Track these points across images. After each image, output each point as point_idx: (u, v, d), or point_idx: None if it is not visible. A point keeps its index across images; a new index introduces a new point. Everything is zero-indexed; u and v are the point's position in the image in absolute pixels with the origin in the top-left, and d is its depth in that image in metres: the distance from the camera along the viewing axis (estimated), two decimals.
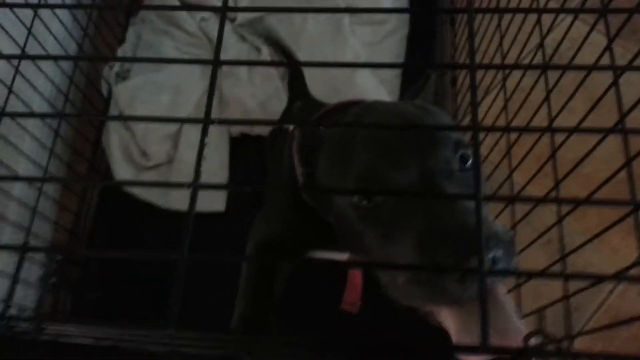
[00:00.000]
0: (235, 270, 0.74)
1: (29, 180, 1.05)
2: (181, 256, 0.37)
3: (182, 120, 0.51)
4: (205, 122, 0.47)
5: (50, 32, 1.01)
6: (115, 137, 1.18)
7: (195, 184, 0.45)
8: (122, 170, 1.17)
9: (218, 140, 1.18)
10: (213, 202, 1.13)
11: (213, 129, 1.15)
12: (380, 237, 0.48)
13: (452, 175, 0.48)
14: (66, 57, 1.17)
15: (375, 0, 1.25)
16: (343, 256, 0.73)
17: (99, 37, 1.24)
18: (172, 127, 1.18)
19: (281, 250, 0.74)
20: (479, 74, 0.99)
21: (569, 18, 0.72)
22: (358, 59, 1.20)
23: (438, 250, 0.42)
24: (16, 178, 1.03)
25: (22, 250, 0.33)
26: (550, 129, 0.49)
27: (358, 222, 0.50)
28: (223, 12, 0.54)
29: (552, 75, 0.71)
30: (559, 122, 0.71)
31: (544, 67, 0.51)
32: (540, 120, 0.76)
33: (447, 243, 0.42)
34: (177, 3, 1.28)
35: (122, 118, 1.24)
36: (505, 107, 0.85)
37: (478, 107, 0.94)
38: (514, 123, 0.84)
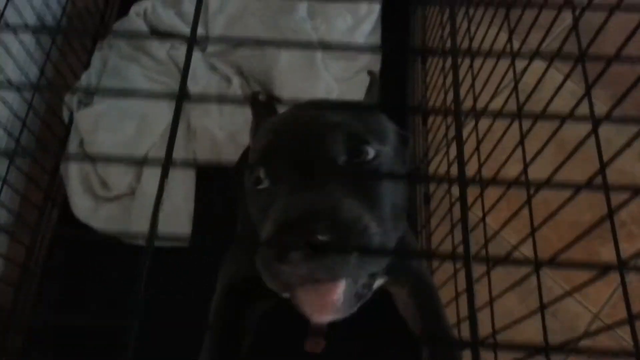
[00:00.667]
0: (201, 313, 0.70)
1: None
2: (131, 324, 0.34)
3: (141, 163, 0.47)
4: (166, 164, 0.44)
5: (10, 55, 0.96)
6: (74, 166, 1.13)
7: (151, 234, 0.41)
8: (80, 201, 1.11)
9: (183, 172, 1.14)
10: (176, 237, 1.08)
11: (178, 159, 1.11)
12: (261, 220, 0.50)
13: (335, 167, 0.49)
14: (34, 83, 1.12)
15: (349, 36, 1.24)
16: None
17: (63, 61, 1.19)
18: (136, 156, 1.13)
19: (253, 292, 0.70)
20: (449, 119, 0.98)
21: (542, 63, 0.71)
22: (331, 93, 1.18)
23: (280, 230, 0.42)
24: None
25: None
26: (526, 183, 0.47)
27: (250, 206, 0.53)
28: (190, 43, 0.51)
29: (525, 120, 0.71)
30: (530, 168, 0.70)
31: (518, 116, 0.50)
32: (513, 162, 0.75)
33: (287, 224, 0.42)
34: (145, 29, 1.25)
35: (75, 158, 1.19)
36: (477, 149, 0.84)
37: (449, 150, 0.92)
38: (487, 164, 0.83)
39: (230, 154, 1.15)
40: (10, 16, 0.92)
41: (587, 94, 0.56)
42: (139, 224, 1.09)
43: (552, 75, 0.72)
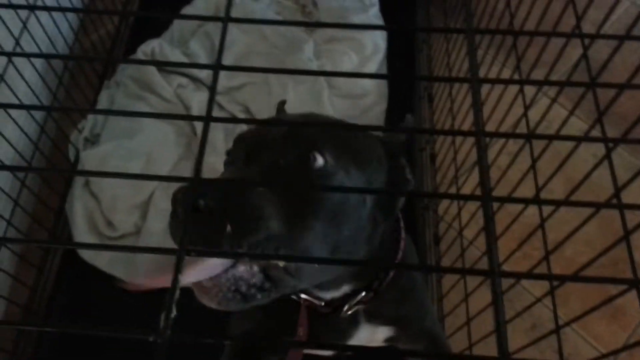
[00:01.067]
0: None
1: None
2: (161, 337, 0.33)
3: (166, 179, 0.46)
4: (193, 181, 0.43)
5: (15, 95, 0.96)
6: (79, 205, 1.12)
7: (181, 249, 0.40)
8: (85, 241, 1.10)
9: None
10: None
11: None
12: None
13: (287, 171, 0.50)
14: (36, 107, 1.11)
15: (355, 79, 1.25)
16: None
17: (69, 100, 1.20)
18: (141, 196, 1.12)
19: (261, 347, 0.69)
20: (459, 160, 0.98)
21: (547, 100, 0.72)
22: None
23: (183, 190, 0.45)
24: None
25: None
26: (538, 201, 0.46)
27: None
28: (216, 70, 0.51)
29: (528, 158, 0.70)
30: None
31: (529, 137, 0.50)
32: (522, 190, 0.74)
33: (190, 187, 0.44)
34: (154, 69, 1.26)
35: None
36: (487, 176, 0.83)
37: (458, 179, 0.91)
38: (496, 192, 0.83)
39: None
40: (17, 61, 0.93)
41: (599, 120, 0.56)
42: (143, 263, 1.07)
43: (558, 111, 0.72)
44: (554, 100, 0.71)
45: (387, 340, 0.70)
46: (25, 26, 1.00)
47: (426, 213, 1.11)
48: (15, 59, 0.96)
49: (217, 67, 0.51)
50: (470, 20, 0.51)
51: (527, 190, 0.72)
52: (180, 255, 0.40)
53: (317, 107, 1.21)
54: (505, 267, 1.01)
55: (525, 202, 0.45)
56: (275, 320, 0.67)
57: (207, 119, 0.44)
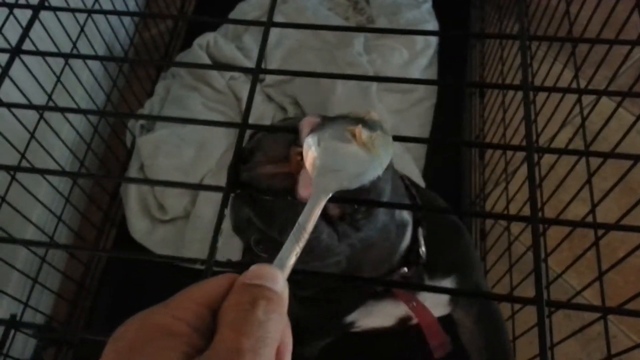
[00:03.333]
0: None
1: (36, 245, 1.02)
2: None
3: (201, 188, 0.48)
4: (227, 190, 0.44)
5: (80, 82, 1.01)
6: (133, 188, 1.17)
7: (209, 260, 0.41)
8: (137, 222, 1.15)
9: None
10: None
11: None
12: None
13: None
14: (91, 112, 1.17)
15: (404, 70, 1.25)
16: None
17: (128, 89, 1.25)
18: (192, 181, 1.16)
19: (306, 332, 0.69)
20: (509, 153, 0.96)
21: (608, 100, 0.69)
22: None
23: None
24: (12, 240, 1.01)
25: (9, 325, 0.30)
26: (594, 224, 0.45)
27: None
28: (255, 74, 0.52)
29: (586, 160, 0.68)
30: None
31: (586, 153, 0.48)
32: (576, 201, 0.72)
33: None
34: (207, 61, 1.30)
35: (136, 181, 1.22)
36: (540, 187, 0.81)
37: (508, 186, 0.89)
38: (549, 203, 0.80)
39: None
40: (81, 45, 0.98)
41: None
42: (192, 247, 1.10)
43: (618, 113, 0.69)
44: (618, 105, 0.66)
45: (449, 303, 0.69)
46: (87, 20, 1.06)
47: (473, 207, 1.09)
48: (79, 46, 1.01)
49: (256, 70, 0.52)
50: (523, 30, 0.49)
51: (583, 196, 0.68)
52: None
53: (365, 101, 1.22)
54: (555, 267, 0.98)
55: (576, 225, 0.43)
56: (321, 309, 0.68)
57: (243, 126, 0.45)
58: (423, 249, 0.60)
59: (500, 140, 1.00)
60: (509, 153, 0.96)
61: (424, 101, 1.24)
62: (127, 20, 1.28)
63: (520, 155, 0.91)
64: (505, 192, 0.94)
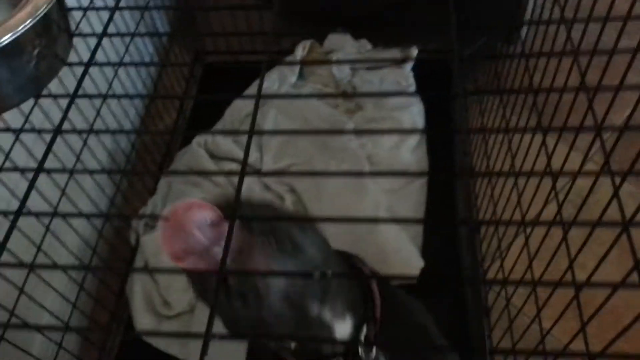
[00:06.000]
0: None
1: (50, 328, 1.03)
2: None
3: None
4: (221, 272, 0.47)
5: (83, 190, 1.06)
6: (138, 286, 1.19)
7: (207, 335, 0.43)
8: (143, 320, 1.16)
9: None
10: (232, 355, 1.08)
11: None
12: None
13: None
14: (95, 215, 1.22)
15: (395, 151, 1.30)
16: None
17: (129, 190, 1.30)
18: None
19: None
20: (502, 228, 0.99)
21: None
22: (378, 207, 1.21)
23: None
24: (25, 326, 1.02)
25: None
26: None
27: None
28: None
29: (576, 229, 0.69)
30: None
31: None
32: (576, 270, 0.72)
33: None
34: (207, 157, 1.36)
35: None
36: (530, 267, 0.83)
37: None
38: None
39: None
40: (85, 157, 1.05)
41: None
42: (197, 342, 1.11)
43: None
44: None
45: None
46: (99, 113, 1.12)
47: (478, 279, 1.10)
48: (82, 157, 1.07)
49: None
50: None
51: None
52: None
53: (358, 183, 1.26)
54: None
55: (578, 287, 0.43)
56: None
57: (233, 217, 0.49)
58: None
59: (491, 217, 1.03)
60: (501, 229, 0.98)
61: (416, 180, 1.28)
62: (127, 124, 1.36)
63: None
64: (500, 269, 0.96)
